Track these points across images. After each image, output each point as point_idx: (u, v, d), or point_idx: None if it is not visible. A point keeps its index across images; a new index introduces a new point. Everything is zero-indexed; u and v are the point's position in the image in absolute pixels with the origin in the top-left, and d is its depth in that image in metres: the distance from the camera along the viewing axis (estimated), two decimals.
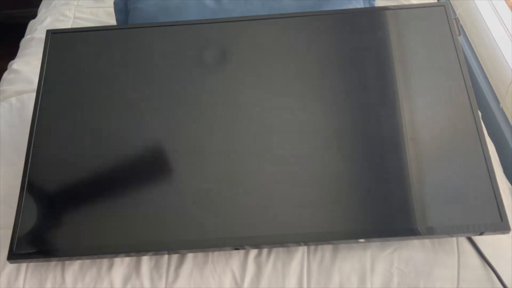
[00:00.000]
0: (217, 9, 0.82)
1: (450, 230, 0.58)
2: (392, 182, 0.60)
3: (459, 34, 0.69)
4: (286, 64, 0.69)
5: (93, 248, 0.59)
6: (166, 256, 0.62)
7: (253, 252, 0.62)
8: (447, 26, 0.69)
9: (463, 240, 0.62)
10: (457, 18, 0.84)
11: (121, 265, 0.61)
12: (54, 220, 0.60)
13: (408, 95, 0.65)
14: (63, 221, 0.60)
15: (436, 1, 0.98)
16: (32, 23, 1.05)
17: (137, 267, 0.61)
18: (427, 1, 0.98)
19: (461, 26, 0.99)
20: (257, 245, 0.60)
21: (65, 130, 0.66)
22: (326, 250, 0.61)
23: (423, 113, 0.64)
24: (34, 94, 0.72)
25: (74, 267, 0.61)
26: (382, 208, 0.59)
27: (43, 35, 0.81)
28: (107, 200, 0.61)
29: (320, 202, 0.60)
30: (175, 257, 0.62)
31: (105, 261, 0.61)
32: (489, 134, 0.80)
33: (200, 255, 0.62)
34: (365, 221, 0.59)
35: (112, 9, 0.94)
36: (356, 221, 0.59)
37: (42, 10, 1.08)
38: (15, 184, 0.65)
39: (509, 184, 0.72)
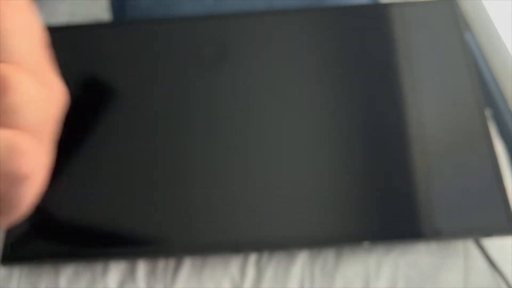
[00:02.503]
0: (216, 4, 0.80)
1: (457, 233, 0.57)
2: (397, 184, 0.59)
3: (466, 31, 0.68)
4: (288, 60, 0.67)
5: (88, 252, 0.57)
6: (163, 260, 0.60)
7: (253, 256, 0.60)
8: (453, 23, 0.68)
9: (469, 243, 0.60)
10: (464, 14, 0.83)
11: (116, 268, 0.60)
12: (48, 223, 0.59)
13: (413, 93, 0.64)
14: (57, 224, 0.59)
15: None
16: None
17: (133, 270, 0.60)
18: None
19: (468, 22, 0.98)
20: (258, 249, 0.59)
21: (61, 131, 0.64)
22: (329, 253, 0.60)
23: (430, 112, 0.63)
24: None
25: (68, 270, 0.60)
26: (387, 210, 0.58)
27: None
28: (101, 204, 0.60)
29: (323, 204, 0.58)
30: (172, 261, 0.60)
31: (100, 265, 0.60)
32: (497, 134, 0.79)
33: (198, 259, 0.60)
34: (369, 224, 0.57)
35: (107, 4, 0.93)
36: (360, 224, 0.57)
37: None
38: None
39: None
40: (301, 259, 0.60)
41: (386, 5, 0.72)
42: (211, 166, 0.61)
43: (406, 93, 0.64)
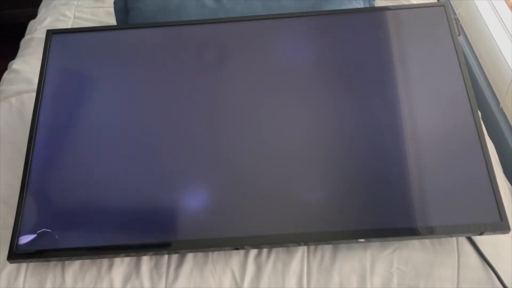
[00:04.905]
0: (217, 9, 0.82)
1: (450, 230, 0.58)
2: (392, 182, 0.60)
3: (459, 34, 0.69)
4: (286, 63, 0.69)
5: (93, 248, 0.59)
6: (166, 256, 0.62)
7: (253, 252, 0.62)
8: (447, 26, 0.70)
9: (463, 240, 0.62)
10: (457, 18, 0.84)
11: (121, 265, 0.61)
12: (54, 220, 0.60)
13: (408, 95, 0.66)
14: (63, 221, 0.60)
15: (436, 1, 0.98)
16: (32, 23, 1.05)
17: (137, 267, 0.61)
18: (427, 1, 0.98)
19: (461, 26, 0.99)
20: (257, 245, 0.60)
21: (65, 130, 0.66)
22: (326, 250, 0.61)
23: (423, 113, 0.64)
24: (33, 94, 0.72)
25: (74, 267, 0.61)
26: (382, 208, 0.59)
27: (43, 35, 0.81)
28: (107, 200, 0.61)
29: (320, 202, 0.60)
30: (175, 257, 0.62)
31: (105, 261, 0.62)
32: (489, 134, 0.80)
33: (200, 255, 0.62)
34: (365, 221, 0.59)
35: (112, 9, 0.94)
36: (356, 221, 0.59)
37: (42, 10, 1.08)
38: (15, 184, 0.65)
39: (509, 184, 0.72)
40: (299, 255, 0.61)
41: (381, 9, 0.73)
42: (211, 165, 0.63)
43: (400, 94, 0.66)
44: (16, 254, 0.59)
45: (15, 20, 1.55)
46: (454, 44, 0.68)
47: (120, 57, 0.71)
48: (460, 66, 0.67)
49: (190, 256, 0.62)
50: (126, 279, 0.60)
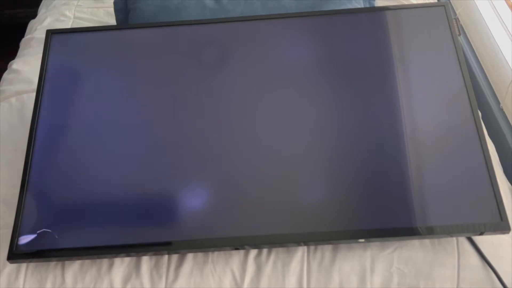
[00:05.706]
0: (217, 9, 0.82)
1: (450, 230, 0.58)
2: (392, 182, 0.60)
3: (459, 34, 0.69)
4: (286, 63, 0.69)
5: (93, 248, 0.59)
6: (166, 256, 0.62)
7: (253, 252, 0.62)
8: (447, 26, 0.70)
9: (463, 240, 0.62)
10: (457, 18, 0.84)
11: (121, 265, 0.61)
12: (54, 220, 0.60)
13: (408, 95, 0.66)
14: (63, 221, 0.60)
15: (436, 1, 0.98)
16: (32, 23, 1.05)
17: (137, 267, 0.61)
18: (427, 1, 0.98)
19: (461, 26, 0.99)
20: (257, 245, 0.60)
21: (65, 130, 0.66)
22: (326, 250, 0.61)
23: (423, 113, 0.64)
24: (34, 94, 0.72)
25: (74, 267, 0.61)
26: (382, 208, 0.59)
27: (43, 35, 0.81)
28: (107, 200, 0.61)
29: (320, 202, 0.60)
30: (175, 257, 0.62)
31: (105, 261, 0.62)
32: (489, 134, 0.80)
33: (200, 255, 0.62)
34: (365, 221, 0.59)
35: (112, 9, 0.94)
36: (356, 221, 0.59)
37: (42, 10, 1.08)
38: (15, 184, 0.65)
39: (509, 184, 0.72)
40: (299, 255, 0.61)
41: (381, 9, 0.73)
42: (211, 165, 0.63)
43: (400, 95, 0.66)
44: (16, 254, 0.59)
45: (15, 20, 1.55)
46: (454, 44, 0.68)
47: (120, 57, 0.71)
48: (460, 66, 0.67)
49: (190, 256, 0.62)
50: (126, 279, 0.60)
